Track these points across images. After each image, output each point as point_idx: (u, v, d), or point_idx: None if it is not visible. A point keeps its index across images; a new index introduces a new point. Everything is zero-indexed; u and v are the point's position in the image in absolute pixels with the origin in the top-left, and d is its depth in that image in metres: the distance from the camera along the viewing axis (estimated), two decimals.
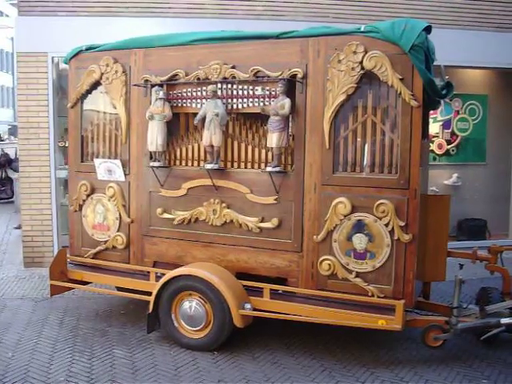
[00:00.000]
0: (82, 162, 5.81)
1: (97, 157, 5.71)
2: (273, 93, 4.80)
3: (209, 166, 5.00)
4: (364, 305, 4.55)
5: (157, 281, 5.16)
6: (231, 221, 5.07)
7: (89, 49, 5.68)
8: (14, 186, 14.20)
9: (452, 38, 7.74)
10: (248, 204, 4.99)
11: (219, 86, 5.01)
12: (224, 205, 5.09)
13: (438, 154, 9.17)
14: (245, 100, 4.96)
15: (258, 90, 4.89)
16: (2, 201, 15.30)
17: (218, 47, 5.07)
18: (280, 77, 4.72)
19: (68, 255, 5.86)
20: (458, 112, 9.13)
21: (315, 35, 4.69)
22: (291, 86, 4.72)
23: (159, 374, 4.51)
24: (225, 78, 4.99)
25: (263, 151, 4.95)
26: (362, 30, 4.52)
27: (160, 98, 5.15)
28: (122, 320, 5.75)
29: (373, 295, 4.54)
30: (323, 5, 7.99)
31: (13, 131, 29.55)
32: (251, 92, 4.92)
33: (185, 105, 5.25)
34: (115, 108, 5.54)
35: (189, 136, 5.33)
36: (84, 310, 6.05)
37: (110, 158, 5.63)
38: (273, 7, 7.88)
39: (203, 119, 4.96)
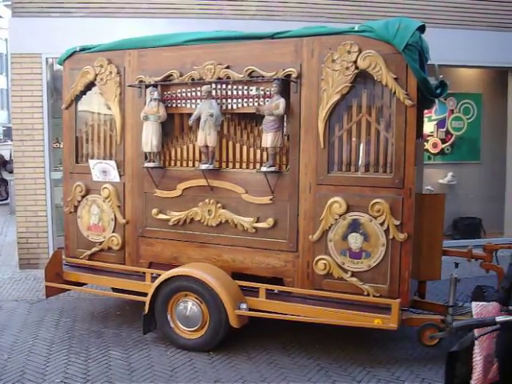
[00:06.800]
0: (76, 163, 5.80)
1: (91, 158, 5.69)
2: (267, 93, 4.80)
3: (204, 167, 4.99)
4: (360, 304, 4.56)
5: (152, 281, 5.15)
6: (226, 221, 5.07)
7: (83, 50, 5.67)
8: (9, 188, 14.16)
9: (446, 37, 7.76)
10: (243, 204, 4.99)
11: (214, 86, 5.01)
12: (219, 205, 5.09)
13: (432, 153, 9.19)
14: (239, 100, 4.96)
15: (253, 90, 4.89)
16: None
17: (213, 47, 5.06)
18: (274, 77, 4.72)
19: (63, 256, 5.84)
20: (452, 111, 9.14)
21: (309, 35, 4.70)
22: (286, 86, 4.72)
23: (155, 375, 4.51)
24: (219, 79, 4.99)
25: (258, 151, 4.95)
26: (356, 29, 4.52)
27: (154, 99, 5.13)
28: (118, 321, 5.74)
29: (368, 294, 4.55)
30: (317, 5, 8.00)
31: (7, 133, 29.49)
32: (246, 92, 4.92)
33: (179, 105, 5.25)
34: (110, 109, 5.53)
35: (183, 136, 5.32)
36: (80, 312, 6.04)
37: (104, 158, 5.62)
38: (267, 7, 7.89)
39: (198, 120, 4.96)
